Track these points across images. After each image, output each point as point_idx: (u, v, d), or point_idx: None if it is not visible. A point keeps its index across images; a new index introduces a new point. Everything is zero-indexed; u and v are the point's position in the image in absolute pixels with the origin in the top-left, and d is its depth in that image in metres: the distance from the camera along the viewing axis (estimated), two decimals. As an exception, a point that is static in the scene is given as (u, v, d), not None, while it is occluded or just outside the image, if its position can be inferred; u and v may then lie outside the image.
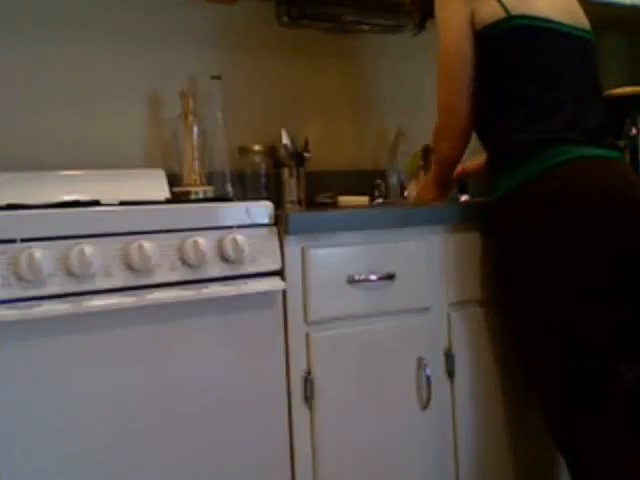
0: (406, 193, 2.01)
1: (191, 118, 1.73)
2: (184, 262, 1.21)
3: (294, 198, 1.87)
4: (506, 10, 1.40)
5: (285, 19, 1.97)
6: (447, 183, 1.65)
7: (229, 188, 1.79)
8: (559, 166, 1.34)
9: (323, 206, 1.88)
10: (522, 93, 1.42)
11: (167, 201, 1.50)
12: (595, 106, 1.47)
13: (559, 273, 1.34)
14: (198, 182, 1.72)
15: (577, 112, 1.41)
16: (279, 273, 1.31)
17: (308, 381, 1.33)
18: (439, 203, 1.65)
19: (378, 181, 2.06)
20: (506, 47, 1.42)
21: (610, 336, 1.34)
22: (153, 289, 1.18)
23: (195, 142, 1.73)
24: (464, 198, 1.97)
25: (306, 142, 1.91)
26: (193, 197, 1.67)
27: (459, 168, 1.72)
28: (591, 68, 1.50)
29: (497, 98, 1.45)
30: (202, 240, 1.20)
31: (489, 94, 1.46)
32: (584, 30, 1.50)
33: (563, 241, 1.33)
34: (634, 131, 1.98)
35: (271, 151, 1.89)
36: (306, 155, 1.89)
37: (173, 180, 1.73)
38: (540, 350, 1.39)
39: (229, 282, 1.25)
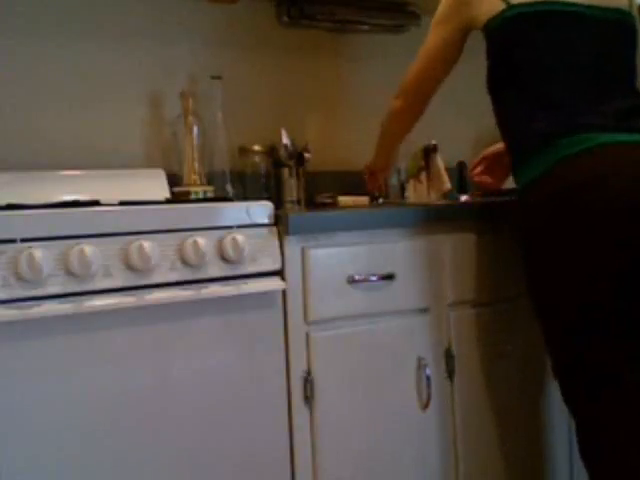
0: (406, 193, 2.01)
1: (191, 118, 1.73)
2: (184, 262, 1.21)
3: (294, 198, 1.87)
4: (505, 1, 1.33)
5: (285, 19, 1.98)
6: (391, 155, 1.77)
7: (229, 188, 1.79)
8: (575, 157, 1.23)
9: (323, 206, 1.88)
10: (531, 82, 1.33)
11: (167, 201, 1.50)
12: (620, 88, 1.33)
13: (571, 282, 1.25)
14: (198, 182, 1.72)
15: (596, 95, 1.29)
16: (279, 273, 1.31)
17: (308, 381, 1.33)
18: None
19: (378, 181, 2.06)
20: (509, 38, 1.35)
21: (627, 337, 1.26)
22: (153, 289, 1.18)
23: (195, 142, 1.73)
24: (464, 198, 1.97)
25: (306, 142, 1.91)
26: (193, 197, 1.67)
27: (477, 173, 1.68)
28: (615, 49, 1.34)
29: (509, 89, 1.38)
30: (202, 240, 1.20)
31: (501, 86, 1.40)
32: (607, 9, 1.33)
33: (576, 245, 1.22)
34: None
35: (271, 151, 1.89)
36: (306, 155, 1.89)
37: (173, 180, 1.74)
38: (556, 349, 1.33)
39: (229, 282, 1.25)
